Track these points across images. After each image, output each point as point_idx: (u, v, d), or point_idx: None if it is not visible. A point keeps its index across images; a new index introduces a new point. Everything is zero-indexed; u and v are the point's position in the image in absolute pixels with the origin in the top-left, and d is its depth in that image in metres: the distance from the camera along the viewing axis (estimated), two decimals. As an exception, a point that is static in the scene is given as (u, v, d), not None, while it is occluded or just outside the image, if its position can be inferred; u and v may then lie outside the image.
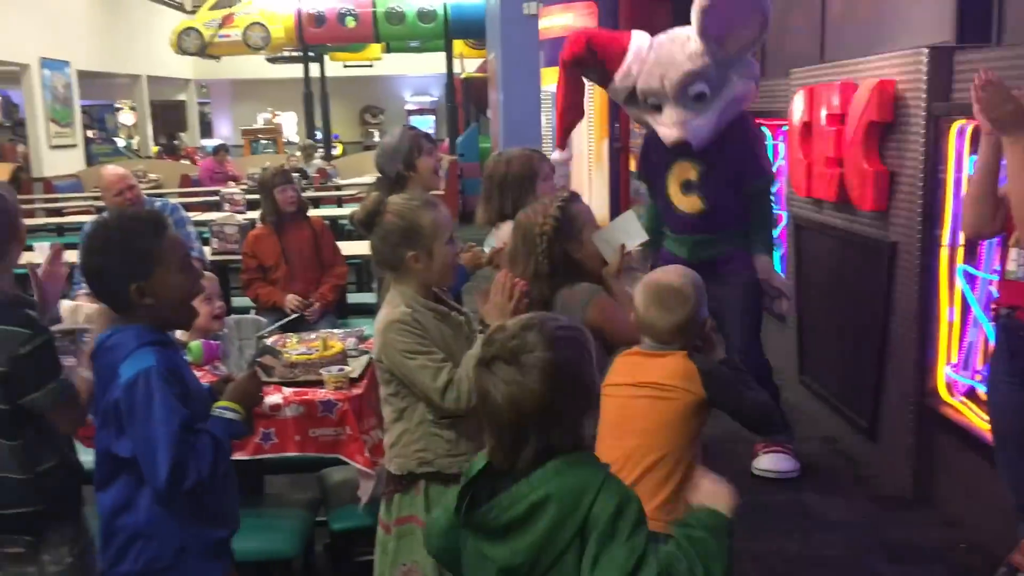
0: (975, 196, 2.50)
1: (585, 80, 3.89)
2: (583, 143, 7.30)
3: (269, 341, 2.60)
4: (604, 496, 1.32)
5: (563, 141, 3.89)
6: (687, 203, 3.60)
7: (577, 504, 1.32)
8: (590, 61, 3.61)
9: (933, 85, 3.23)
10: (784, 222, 4.73)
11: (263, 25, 14.87)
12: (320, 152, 14.19)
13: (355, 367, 2.75)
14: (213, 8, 15.19)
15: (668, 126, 3.50)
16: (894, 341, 3.57)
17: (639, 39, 3.60)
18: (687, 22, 3.46)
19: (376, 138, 22.36)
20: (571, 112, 3.77)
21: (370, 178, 13.12)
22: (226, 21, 14.81)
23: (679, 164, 3.56)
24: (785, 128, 4.54)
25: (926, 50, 3.25)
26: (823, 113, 3.91)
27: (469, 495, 1.40)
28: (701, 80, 3.43)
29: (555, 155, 3.76)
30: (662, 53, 3.51)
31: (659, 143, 3.60)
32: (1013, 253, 2.41)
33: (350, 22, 14.85)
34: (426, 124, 22.36)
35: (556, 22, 7.35)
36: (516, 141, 8.97)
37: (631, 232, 2.46)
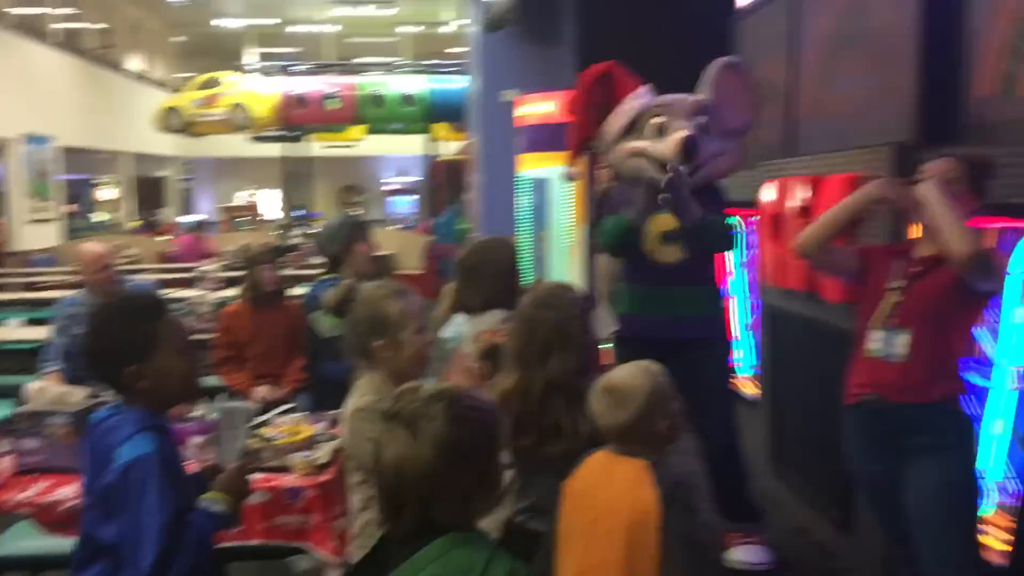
0: (827, 227, 2.74)
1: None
2: (560, 228, 7.39)
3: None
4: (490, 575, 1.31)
5: (576, 157, 4.10)
6: (667, 253, 3.61)
7: None
8: (607, 83, 3.76)
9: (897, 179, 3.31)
10: (758, 311, 4.78)
11: (246, 106, 15.08)
12: (300, 230, 14.28)
13: (322, 453, 2.73)
14: (198, 88, 15.41)
15: (677, 131, 3.54)
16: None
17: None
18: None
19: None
20: (587, 128, 3.83)
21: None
22: (210, 101, 15.02)
23: (660, 216, 3.57)
24: (755, 219, 4.63)
25: (890, 147, 3.34)
26: (791, 205, 3.99)
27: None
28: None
29: (566, 170, 4.07)
30: (674, 95, 3.76)
31: (640, 194, 3.63)
32: (875, 334, 2.61)
33: (333, 104, 15.11)
34: (406, 204, 22.59)
35: (535, 110, 7.51)
36: (493, 224, 9.10)
37: (602, 323, 2.52)
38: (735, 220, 4.40)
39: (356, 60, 18.52)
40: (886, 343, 2.60)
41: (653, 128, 3.62)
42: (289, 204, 16.51)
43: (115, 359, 1.79)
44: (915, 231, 2.77)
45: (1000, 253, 2.67)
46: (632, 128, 3.68)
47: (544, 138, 7.39)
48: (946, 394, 2.54)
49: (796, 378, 4.29)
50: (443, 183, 16.19)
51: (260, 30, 20.00)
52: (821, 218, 2.78)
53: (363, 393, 2.14)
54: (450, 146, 17.33)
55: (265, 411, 2.77)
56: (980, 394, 2.83)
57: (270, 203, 21.11)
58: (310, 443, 2.72)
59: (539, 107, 7.42)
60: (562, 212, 7.31)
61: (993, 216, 2.85)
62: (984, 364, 2.83)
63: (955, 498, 2.54)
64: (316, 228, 17.96)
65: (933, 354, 2.54)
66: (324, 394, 2.99)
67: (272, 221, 18.45)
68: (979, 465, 2.63)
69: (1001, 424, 2.82)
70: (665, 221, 3.58)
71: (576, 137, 3.89)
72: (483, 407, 1.44)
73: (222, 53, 19.94)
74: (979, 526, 2.66)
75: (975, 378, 2.77)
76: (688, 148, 3.47)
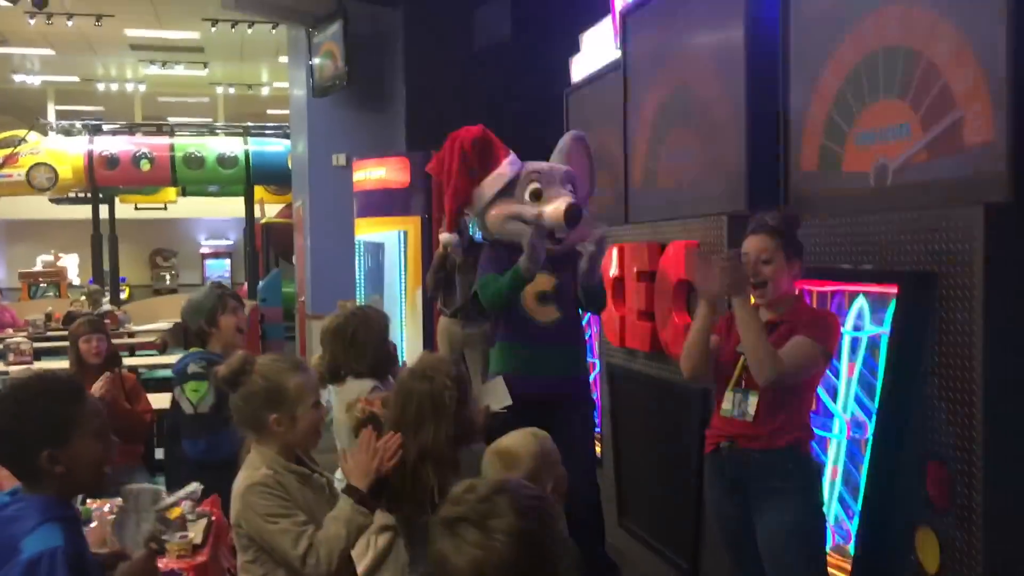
0: (695, 347, 2.93)
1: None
2: (396, 291, 7.39)
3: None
4: None
5: (452, 226, 4.13)
6: (543, 313, 3.76)
7: None
8: (483, 146, 3.82)
9: (733, 246, 3.56)
10: (597, 370, 4.96)
11: (50, 166, 14.22)
12: (107, 297, 13.52)
13: (196, 532, 2.61)
14: (-5, 147, 14.42)
15: (558, 199, 3.75)
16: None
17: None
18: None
19: (168, 282, 21.60)
20: (459, 197, 3.87)
21: (165, 324, 12.65)
22: (8, 161, 14.06)
23: (537, 276, 3.71)
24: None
25: (725, 217, 3.61)
26: (634, 270, 4.21)
27: None
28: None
29: (445, 236, 4.21)
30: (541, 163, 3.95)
31: (514, 257, 3.73)
32: (729, 395, 2.85)
33: (145, 165, 14.49)
34: (221, 268, 21.87)
35: (371, 175, 7.54)
36: (325, 288, 8.99)
37: (498, 395, 2.58)
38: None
39: (169, 119, 17.91)
40: (737, 404, 2.83)
41: (529, 193, 3.77)
42: (97, 269, 15.58)
43: (30, 442, 1.66)
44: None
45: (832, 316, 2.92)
46: (505, 192, 3.81)
47: (380, 202, 7.43)
48: (791, 442, 2.76)
49: (639, 434, 4.48)
50: (263, 246, 15.84)
51: (60, 87, 19.03)
52: (687, 349, 2.97)
53: (256, 467, 2.09)
54: (270, 209, 17.00)
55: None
56: (822, 443, 3.09)
57: (73, 268, 19.89)
58: (182, 523, 2.59)
59: (375, 172, 7.46)
60: (398, 276, 7.33)
61: (820, 280, 3.14)
62: (824, 415, 3.08)
63: (801, 539, 2.76)
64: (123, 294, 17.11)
65: (779, 410, 2.76)
66: (183, 473, 2.87)
67: (77, 287, 17.38)
68: (822, 508, 2.85)
69: (837, 470, 3.08)
70: (541, 282, 3.72)
71: (455, 203, 3.91)
72: (540, 495, 1.41)
73: (21, 110, 18.80)
74: (825, 566, 2.87)
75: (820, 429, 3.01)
76: (573, 215, 3.70)
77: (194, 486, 2.50)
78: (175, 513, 2.63)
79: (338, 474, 2.63)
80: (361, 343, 3.07)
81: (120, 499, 2.33)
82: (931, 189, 2.83)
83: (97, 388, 3.92)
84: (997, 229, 2.45)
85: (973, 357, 2.49)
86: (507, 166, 3.79)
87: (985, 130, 2.61)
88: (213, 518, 2.66)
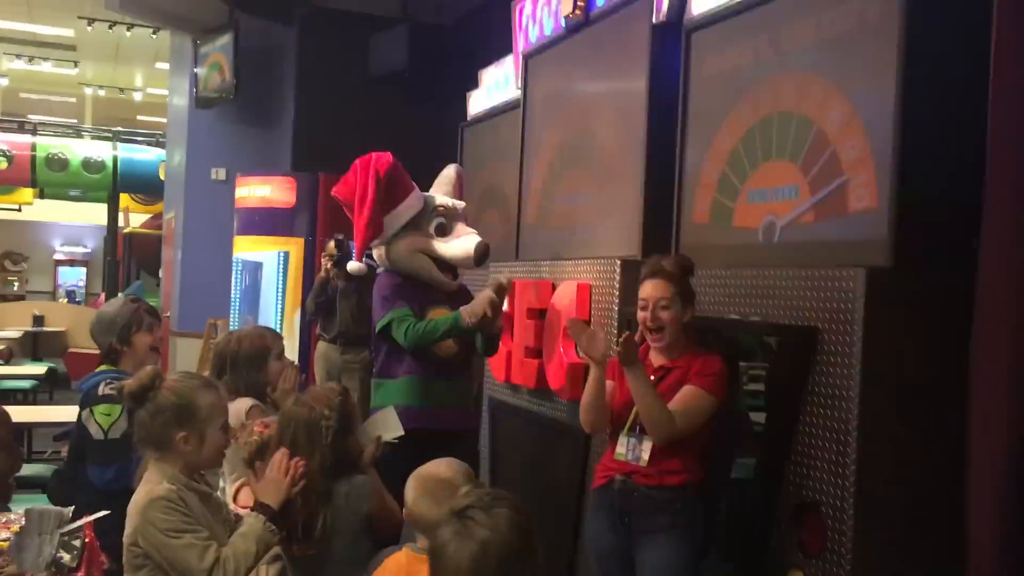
0: (593, 405, 3.00)
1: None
2: (272, 313, 7.23)
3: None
4: None
5: (362, 255, 3.98)
6: (444, 347, 3.76)
7: None
8: (395, 175, 3.77)
9: (624, 291, 3.67)
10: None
11: None
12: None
13: (70, 556, 2.46)
14: None
15: (465, 236, 3.82)
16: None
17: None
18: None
19: (15, 288, 20.40)
20: (374, 227, 3.76)
21: (13, 332, 11.94)
22: None
23: (435, 309, 3.74)
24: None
25: (618, 261, 3.71)
26: (524, 307, 4.26)
27: None
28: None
29: (354, 266, 4.00)
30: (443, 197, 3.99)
31: (416, 289, 3.75)
32: (623, 440, 2.94)
33: (2, 163, 13.69)
34: (76, 276, 20.84)
35: (253, 192, 7.38)
36: (197, 303, 8.69)
37: (391, 426, 2.57)
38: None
39: (32, 117, 17.00)
40: (631, 449, 2.91)
41: (435, 227, 3.80)
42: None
43: None
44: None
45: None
46: (411, 224, 3.81)
47: (263, 221, 7.27)
48: (682, 481, 2.85)
49: (518, 469, 4.50)
50: (124, 257, 15.21)
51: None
52: (585, 407, 3.03)
53: (156, 481, 2.01)
54: (135, 219, 16.35)
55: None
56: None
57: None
58: (73, 557, 2.43)
59: (259, 189, 7.30)
60: (275, 297, 7.18)
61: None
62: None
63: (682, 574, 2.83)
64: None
65: (671, 453, 2.85)
66: (81, 500, 2.69)
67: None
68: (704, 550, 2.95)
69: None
70: (438, 315, 3.73)
71: (370, 232, 3.79)
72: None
73: None
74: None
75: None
76: (483, 254, 3.80)
77: (97, 515, 2.36)
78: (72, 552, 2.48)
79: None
80: (233, 363, 3.09)
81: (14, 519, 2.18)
82: (816, 249, 3.00)
83: None
84: (877, 291, 2.62)
85: (849, 411, 2.64)
86: (415, 198, 3.79)
87: (869, 197, 2.79)
88: (87, 540, 2.51)
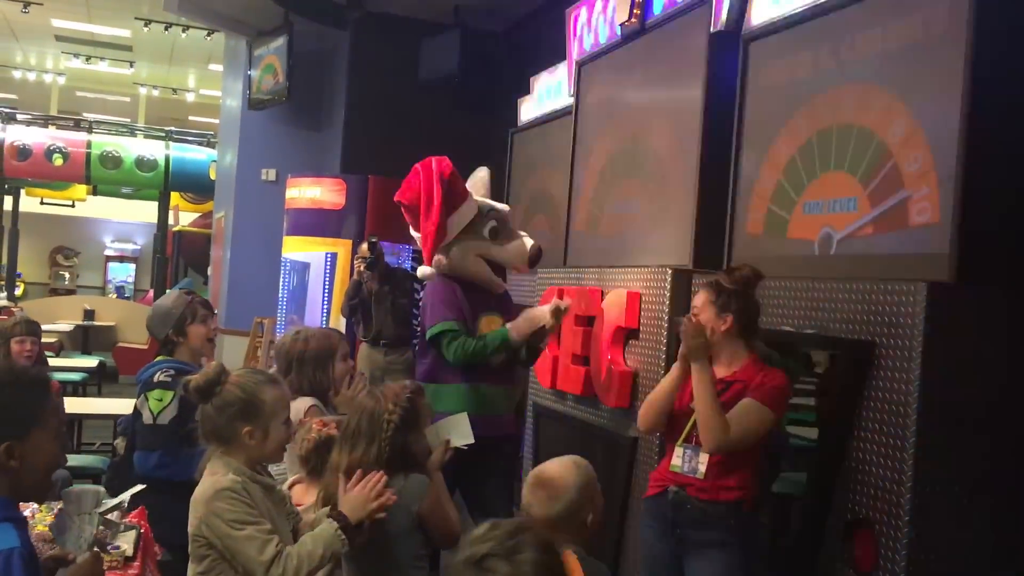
0: (659, 404, 2.98)
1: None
2: (318, 314, 7.30)
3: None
4: None
5: (431, 259, 3.89)
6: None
7: None
8: (454, 179, 3.72)
9: (674, 300, 3.66)
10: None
11: (-46, 151, 13.60)
12: (3, 292, 12.96)
13: (126, 544, 2.51)
14: None
15: (517, 239, 3.81)
16: (631, 532, 3.82)
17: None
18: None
19: (67, 282, 20.81)
20: (441, 231, 3.70)
21: (64, 325, 12.18)
22: (-90, 141, 13.40)
23: (487, 317, 3.71)
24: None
25: (669, 270, 3.70)
26: (573, 314, 4.24)
27: None
28: None
29: (424, 270, 3.89)
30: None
31: (467, 294, 3.72)
32: (679, 451, 2.89)
33: (58, 160, 13.96)
34: (125, 272, 21.20)
35: (303, 193, 7.45)
36: (242, 304, 8.81)
37: (462, 432, 2.58)
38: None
39: (87, 115, 17.34)
40: (687, 460, 2.86)
41: (488, 231, 3.78)
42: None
43: None
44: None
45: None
46: (468, 229, 3.76)
47: (312, 222, 7.34)
48: (738, 497, 2.81)
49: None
50: (174, 254, 15.44)
51: (-27, 70, 18.29)
52: (650, 404, 3.01)
53: (223, 473, 2.05)
54: (184, 217, 16.59)
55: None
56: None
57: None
58: (114, 533, 2.48)
59: (309, 191, 7.38)
60: (322, 298, 7.25)
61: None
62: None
63: None
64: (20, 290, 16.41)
65: (727, 468, 2.81)
66: (127, 485, 2.74)
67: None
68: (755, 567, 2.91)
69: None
70: (493, 323, 3.71)
71: (437, 239, 3.70)
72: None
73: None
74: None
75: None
76: (537, 257, 3.78)
77: (132, 491, 2.40)
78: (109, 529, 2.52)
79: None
80: (299, 363, 3.12)
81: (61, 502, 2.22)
82: (874, 262, 2.97)
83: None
84: (938, 307, 2.58)
85: (907, 427, 2.60)
86: (472, 202, 3.78)
87: (932, 211, 2.75)
88: (142, 530, 2.56)
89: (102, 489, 2.34)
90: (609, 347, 3.95)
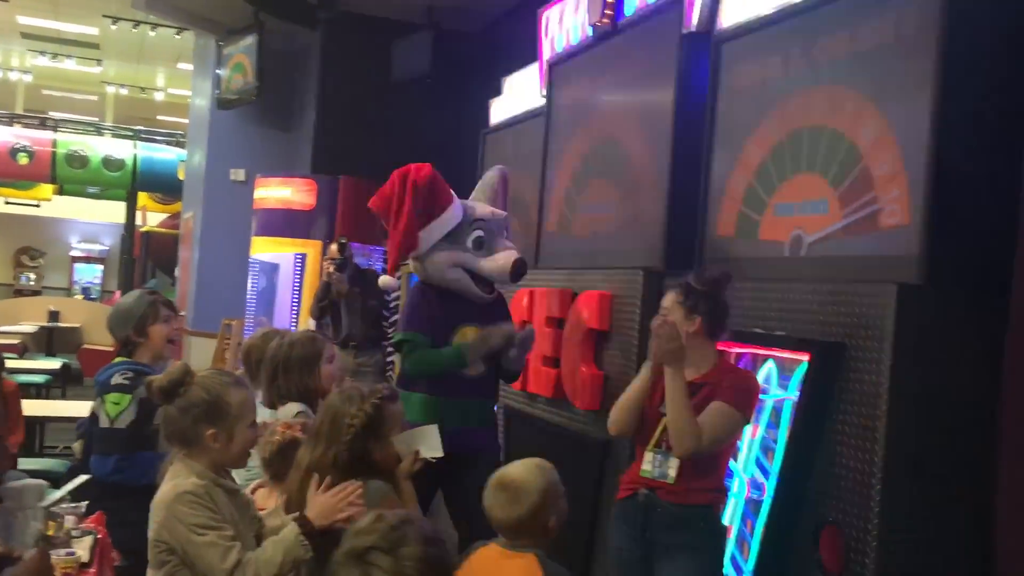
0: (630, 406, 2.96)
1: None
2: (287, 315, 7.22)
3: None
4: None
5: (395, 269, 3.90)
6: (472, 366, 3.60)
7: None
8: (434, 187, 3.64)
9: (646, 301, 3.64)
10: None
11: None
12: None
13: (82, 550, 2.44)
14: None
15: (503, 251, 3.70)
16: (600, 534, 3.80)
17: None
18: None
19: (32, 283, 20.50)
20: (408, 241, 3.64)
21: (28, 326, 11.97)
22: None
23: (463, 329, 3.63)
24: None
25: (641, 271, 3.68)
26: (543, 315, 4.22)
27: None
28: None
29: (385, 280, 3.99)
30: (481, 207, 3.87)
31: (444, 304, 3.67)
32: (648, 456, 2.87)
33: (23, 159, 13.78)
34: (93, 273, 20.93)
35: (272, 194, 7.38)
36: (212, 303, 8.70)
37: (431, 444, 2.53)
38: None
39: (53, 114, 17.09)
40: (658, 465, 2.84)
41: (472, 241, 3.70)
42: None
43: None
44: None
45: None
46: (449, 237, 3.69)
47: (281, 223, 7.27)
48: (708, 501, 2.80)
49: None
50: (141, 255, 15.25)
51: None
52: (620, 406, 2.98)
53: (185, 476, 1.99)
54: (152, 217, 16.40)
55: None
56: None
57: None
58: (67, 540, 2.41)
59: (279, 191, 7.30)
60: (291, 299, 7.18)
61: (729, 342, 3.22)
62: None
63: None
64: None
65: (698, 471, 2.79)
66: (90, 496, 2.69)
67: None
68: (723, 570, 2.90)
69: (731, 529, 3.14)
70: (469, 333, 3.62)
71: (405, 247, 3.64)
72: (436, 529, 1.51)
73: None
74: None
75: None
76: (519, 271, 3.68)
77: (81, 481, 2.33)
78: (64, 528, 2.46)
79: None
80: (285, 367, 3.07)
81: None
82: (845, 264, 2.96)
83: None
84: (908, 308, 2.58)
85: (876, 428, 2.59)
86: (454, 210, 3.70)
87: (901, 213, 2.75)
88: (99, 535, 2.49)
89: (44, 483, 2.26)
90: (580, 349, 3.93)
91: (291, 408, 2.96)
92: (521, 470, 2.28)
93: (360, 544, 1.38)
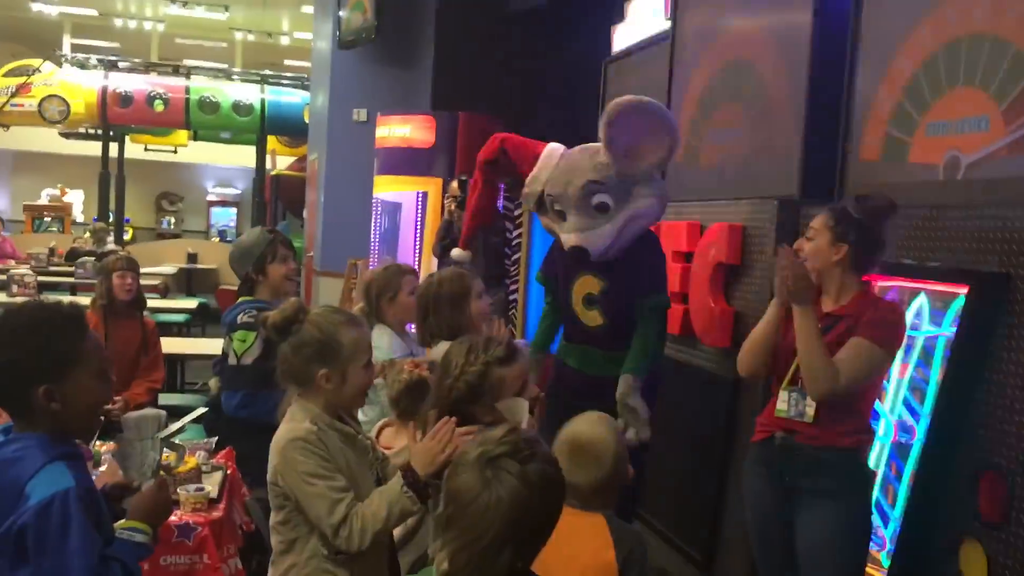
0: (758, 348, 2.78)
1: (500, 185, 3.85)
2: (410, 253, 7.25)
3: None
4: None
5: (468, 241, 3.85)
6: (589, 317, 3.41)
7: None
8: (503, 163, 3.51)
9: (781, 233, 3.41)
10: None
11: (63, 99, 13.97)
12: (112, 236, 13.36)
13: (212, 486, 2.47)
14: (7, 75, 14.16)
15: (568, 233, 3.36)
16: (733, 476, 3.66)
17: (552, 147, 3.50)
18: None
19: (172, 226, 21.41)
20: (480, 215, 3.65)
21: (169, 268, 12.51)
22: (21, 90, 13.82)
23: (583, 278, 3.40)
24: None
25: (775, 201, 3.45)
26: (670, 250, 4.04)
27: None
28: (604, 191, 3.29)
29: (456, 252, 3.86)
30: (571, 161, 3.40)
31: (565, 253, 3.43)
32: (783, 395, 2.68)
33: (159, 106, 14.25)
34: (227, 216, 21.69)
35: (393, 132, 7.36)
36: (336, 245, 8.84)
37: (515, 416, 2.34)
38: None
39: (186, 62, 17.60)
40: (793, 404, 2.65)
41: (554, 211, 3.44)
42: (103, 207, 15.38)
43: (24, 375, 1.53)
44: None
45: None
46: (541, 204, 3.48)
47: (402, 161, 7.25)
48: (854, 444, 2.60)
49: (662, 421, 4.33)
50: (272, 198, 15.64)
51: (78, 19, 18.72)
52: (750, 345, 2.81)
53: (299, 420, 1.96)
54: (281, 161, 16.77)
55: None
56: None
57: (78, 204, 19.64)
58: (197, 474, 2.45)
59: (399, 129, 7.27)
60: (414, 238, 7.18)
61: (876, 275, 2.98)
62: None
63: (847, 544, 2.61)
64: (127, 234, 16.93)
65: (841, 411, 2.59)
66: (224, 431, 2.74)
67: (81, 224, 17.20)
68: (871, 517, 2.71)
69: (876, 474, 2.94)
70: (588, 284, 3.40)
71: (472, 224, 3.69)
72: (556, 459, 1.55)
73: (37, 41, 18.48)
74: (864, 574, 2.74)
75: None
76: (576, 257, 3.35)
77: (200, 412, 2.35)
78: (191, 463, 2.50)
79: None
80: (436, 305, 3.03)
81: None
82: (1008, 187, 2.68)
83: None
84: (1085, 234, 2.30)
85: (1045, 367, 2.35)
86: (538, 171, 3.44)
87: (1078, 128, 2.45)
88: (228, 471, 2.52)
89: (163, 413, 2.27)
90: (709, 284, 3.75)
91: (442, 347, 2.88)
92: (589, 429, 2.13)
93: (492, 451, 1.42)
